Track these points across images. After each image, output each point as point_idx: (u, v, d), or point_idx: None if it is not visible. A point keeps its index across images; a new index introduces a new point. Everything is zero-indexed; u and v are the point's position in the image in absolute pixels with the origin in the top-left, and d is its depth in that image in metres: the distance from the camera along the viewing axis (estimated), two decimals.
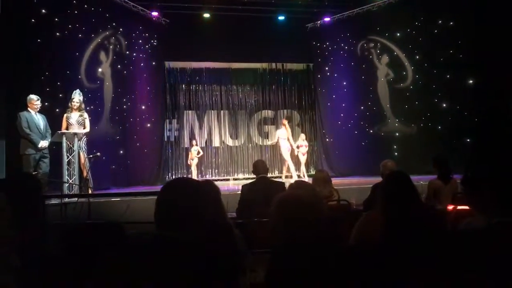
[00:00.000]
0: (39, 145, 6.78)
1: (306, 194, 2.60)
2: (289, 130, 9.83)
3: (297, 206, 1.77)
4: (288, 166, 9.81)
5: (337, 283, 1.55)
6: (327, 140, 13.33)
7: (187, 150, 12.74)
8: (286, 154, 9.58)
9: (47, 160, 6.96)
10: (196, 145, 12.00)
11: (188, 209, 1.60)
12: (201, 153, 11.84)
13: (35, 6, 8.91)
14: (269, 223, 1.84)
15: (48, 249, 1.76)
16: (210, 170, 13.21)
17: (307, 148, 11.52)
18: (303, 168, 11.40)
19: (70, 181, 7.06)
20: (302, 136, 11.75)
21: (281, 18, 12.67)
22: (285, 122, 9.89)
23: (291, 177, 9.79)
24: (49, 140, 7.03)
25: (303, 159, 11.38)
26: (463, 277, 1.52)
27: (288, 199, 1.84)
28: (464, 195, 1.91)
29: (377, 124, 12.65)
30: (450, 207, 4.29)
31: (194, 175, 11.42)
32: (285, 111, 13.83)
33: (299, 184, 2.81)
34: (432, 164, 5.01)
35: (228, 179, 12.84)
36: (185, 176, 12.03)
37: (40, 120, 6.98)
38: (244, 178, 12.34)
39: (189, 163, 11.90)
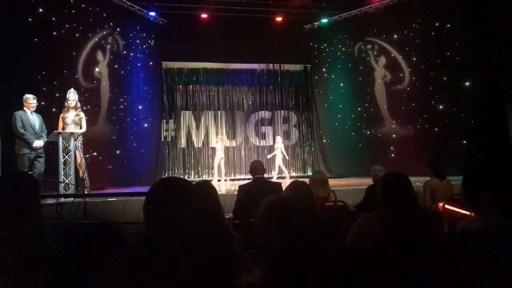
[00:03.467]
0: (33, 145, 6.74)
1: (296, 196, 2.60)
2: (224, 144, 11.91)
3: (284, 209, 1.77)
4: (219, 170, 11.65)
5: (333, 284, 1.55)
6: (324, 141, 13.33)
7: (184, 151, 12.76)
8: (216, 161, 11.55)
9: (42, 160, 6.92)
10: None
11: (176, 208, 1.58)
12: None
13: (32, 5, 8.90)
14: (257, 225, 1.84)
15: (44, 249, 1.75)
16: (206, 170, 13.18)
17: (279, 151, 11.69)
18: (283, 169, 11.69)
19: (66, 181, 7.03)
20: (278, 138, 12.10)
21: (278, 19, 12.67)
22: (221, 137, 11.98)
23: (218, 180, 11.41)
24: (45, 139, 6.99)
25: (278, 161, 11.67)
26: (460, 279, 1.52)
27: (275, 203, 1.84)
28: (463, 197, 1.91)
29: (374, 125, 12.68)
30: (446, 206, 4.31)
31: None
32: (282, 112, 13.84)
33: (296, 184, 2.81)
34: (427, 167, 5.08)
35: (225, 180, 12.83)
36: (181, 176, 12.00)
37: (35, 120, 6.93)
38: (241, 179, 12.32)
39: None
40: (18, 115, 6.75)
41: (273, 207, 1.81)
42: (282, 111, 13.88)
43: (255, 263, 2.13)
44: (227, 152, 13.43)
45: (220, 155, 11.53)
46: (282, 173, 11.71)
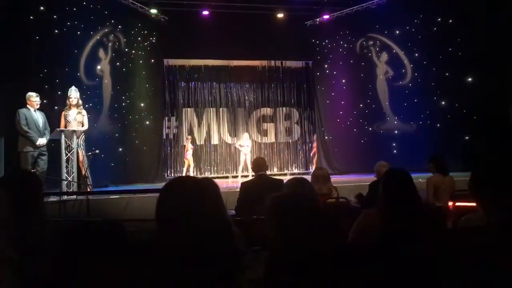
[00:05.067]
0: (37, 143, 6.76)
1: (303, 192, 2.60)
2: (191, 144, 12.09)
3: (293, 204, 1.77)
4: (187, 166, 11.88)
5: (335, 281, 1.55)
6: (326, 137, 13.31)
7: (186, 148, 12.77)
8: (190, 158, 11.72)
9: (45, 158, 6.94)
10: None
11: (190, 208, 1.59)
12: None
13: (34, 3, 8.90)
14: (264, 221, 1.84)
15: (47, 247, 1.76)
16: (209, 167, 13.19)
17: (249, 148, 11.85)
18: (240, 168, 11.92)
19: (69, 178, 7.05)
20: (246, 135, 12.13)
21: (280, 15, 12.64)
22: (190, 137, 12.21)
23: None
24: (48, 137, 7.01)
25: (243, 158, 11.76)
26: (461, 275, 1.52)
27: (283, 198, 1.84)
28: (469, 193, 1.90)
29: (376, 121, 12.66)
30: (450, 203, 4.31)
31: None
32: (284, 108, 13.82)
33: (297, 180, 2.81)
34: (429, 162, 5.07)
35: (227, 177, 12.84)
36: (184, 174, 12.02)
37: (39, 118, 6.96)
38: (243, 176, 12.34)
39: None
40: (22, 113, 6.76)
41: (280, 203, 1.80)
42: (284, 108, 13.86)
43: (257, 260, 2.14)
44: (229, 149, 13.45)
45: (190, 152, 11.63)
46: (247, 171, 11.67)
